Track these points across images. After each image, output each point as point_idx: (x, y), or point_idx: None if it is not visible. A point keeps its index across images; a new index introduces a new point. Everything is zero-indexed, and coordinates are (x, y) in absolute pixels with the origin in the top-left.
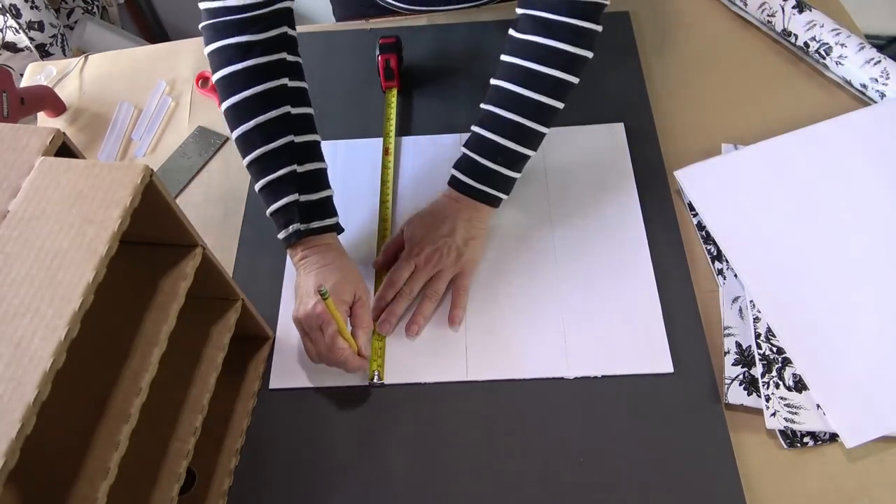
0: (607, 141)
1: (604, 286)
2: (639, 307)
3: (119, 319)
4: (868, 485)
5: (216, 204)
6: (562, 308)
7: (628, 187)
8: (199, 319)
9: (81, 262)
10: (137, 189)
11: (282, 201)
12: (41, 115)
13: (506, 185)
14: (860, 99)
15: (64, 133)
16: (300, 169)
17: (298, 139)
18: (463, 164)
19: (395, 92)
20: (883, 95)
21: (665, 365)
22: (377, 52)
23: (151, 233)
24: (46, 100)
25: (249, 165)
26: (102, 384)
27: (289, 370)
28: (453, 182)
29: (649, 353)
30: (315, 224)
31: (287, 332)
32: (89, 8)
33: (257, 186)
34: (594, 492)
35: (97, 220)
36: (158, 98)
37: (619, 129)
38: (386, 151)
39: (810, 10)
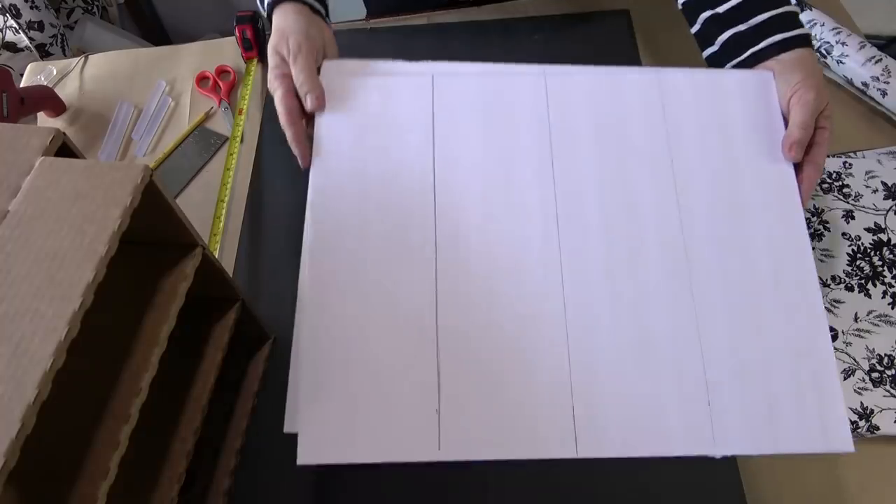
0: (750, 92)
1: (757, 317)
2: (804, 351)
3: (119, 319)
4: (868, 485)
5: (216, 204)
6: (702, 350)
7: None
8: (199, 319)
9: (81, 262)
10: (137, 189)
11: None
12: (41, 115)
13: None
14: (861, 98)
15: (64, 133)
16: None
17: None
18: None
19: (255, 62)
20: (884, 94)
21: (844, 442)
22: (234, 24)
23: (151, 233)
24: (46, 100)
25: None
26: (102, 384)
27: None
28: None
29: (821, 425)
30: None
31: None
32: (89, 8)
33: None
34: (594, 491)
35: (97, 220)
36: (158, 98)
37: (768, 77)
38: (240, 112)
39: (811, 10)
